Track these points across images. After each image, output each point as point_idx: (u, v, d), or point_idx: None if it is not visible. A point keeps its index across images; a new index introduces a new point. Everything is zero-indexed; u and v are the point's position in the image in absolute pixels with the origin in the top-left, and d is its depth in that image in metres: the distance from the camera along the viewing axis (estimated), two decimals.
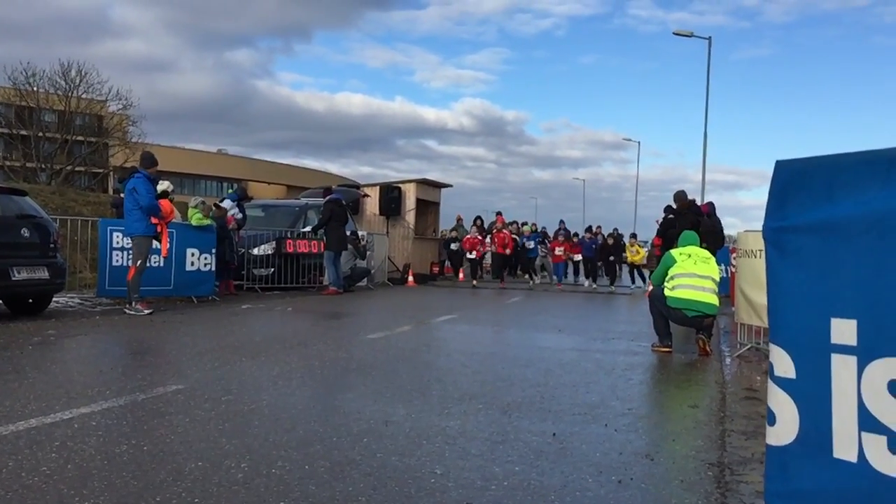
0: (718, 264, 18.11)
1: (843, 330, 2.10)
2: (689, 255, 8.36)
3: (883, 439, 2.01)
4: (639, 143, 70.23)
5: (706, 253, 8.57)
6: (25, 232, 9.26)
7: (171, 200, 11.07)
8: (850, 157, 2.13)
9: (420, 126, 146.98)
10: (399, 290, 18.51)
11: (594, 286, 21.74)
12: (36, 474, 3.43)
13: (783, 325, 2.26)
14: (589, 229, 23.73)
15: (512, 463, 3.90)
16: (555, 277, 22.76)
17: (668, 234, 16.18)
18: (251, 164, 74.35)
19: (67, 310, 10.77)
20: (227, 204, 14.67)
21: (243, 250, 14.98)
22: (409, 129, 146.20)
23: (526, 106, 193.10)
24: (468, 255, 20.97)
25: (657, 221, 19.16)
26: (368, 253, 18.19)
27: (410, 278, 20.28)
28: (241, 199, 15.26)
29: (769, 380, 2.29)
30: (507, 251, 20.97)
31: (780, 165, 2.24)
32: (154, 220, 10.52)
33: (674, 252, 8.53)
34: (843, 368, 2.10)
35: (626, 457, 4.11)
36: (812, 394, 2.17)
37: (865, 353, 2.05)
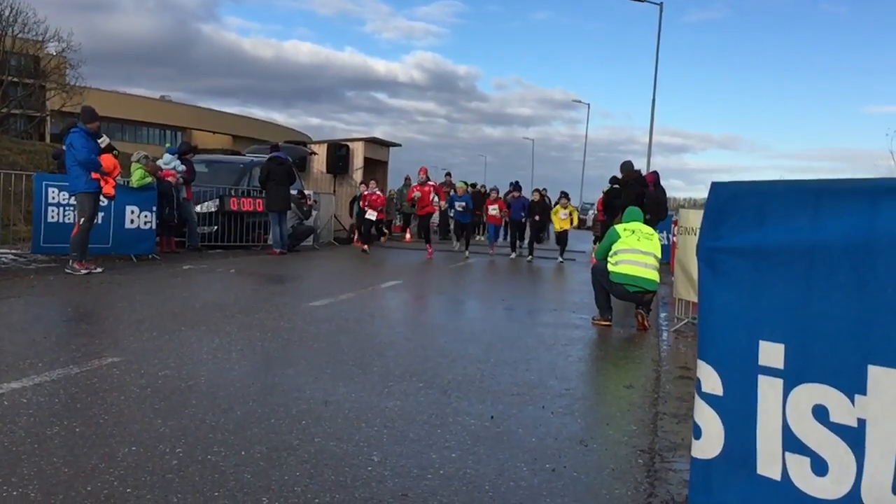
0: (660, 232, 18.49)
1: (771, 353, 2.15)
2: (633, 232, 8.49)
3: (806, 461, 2.08)
4: (588, 105, 70.36)
5: (649, 229, 8.70)
6: None
7: (115, 155, 10.71)
8: (780, 185, 2.16)
9: (370, 78, 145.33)
10: (345, 250, 18.41)
11: (513, 255, 19.27)
12: None
13: (712, 343, 2.30)
14: (516, 186, 20.27)
15: (449, 449, 3.94)
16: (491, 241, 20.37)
17: (613, 205, 16.40)
18: (196, 113, 72.59)
19: (0, 267, 10.46)
20: (165, 158, 14.28)
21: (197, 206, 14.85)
22: (358, 80, 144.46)
23: (478, 61, 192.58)
24: (367, 216, 17.54)
25: (603, 192, 19.26)
26: (315, 213, 18.01)
27: (356, 238, 20.16)
28: (186, 152, 14.89)
29: (696, 395, 2.34)
30: (432, 208, 17.77)
31: (715, 187, 2.28)
32: (95, 176, 10.19)
33: (618, 227, 8.65)
34: (769, 390, 2.16)
35: (560, 442, 4.19)
36: (738, 412, 2.23)
37: (792, 377, 2.11)
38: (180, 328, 6.66)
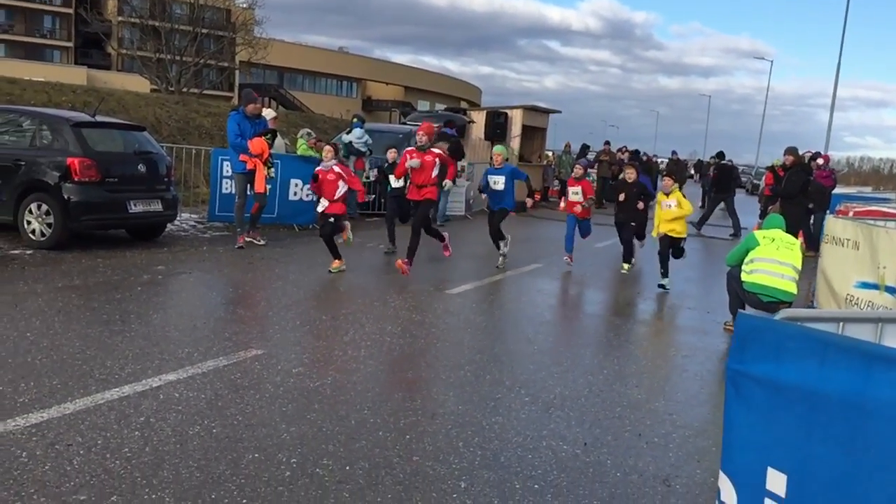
0: (829, 213, 17.56)
1: (776, 480, 2.33)
2: (773, 240, 8.29)
3: None
4: (771, 62, 66.88)
5: (791, 238, 8.45)
6: (142, 167, 10.06)
7: (267, 140, 11.25)
8: (794, 329, 2.32)
9: (543, 26, 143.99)
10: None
11: (641, 245, 12.73)
12: (118, 456, 4.06)
13: (730, 459, 2.51)
14: (635, 154, 14.93)
15: (533, 479, 4.26)
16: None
17: (778, 191, 15.67)
18: (370, 64, 75.17)
19: (181, 234, 11.70)
20: (356, 133, 15.29)
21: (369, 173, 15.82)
22: (531, 28, 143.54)
23: (656, 7, 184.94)
24: (318, 207, 10.04)
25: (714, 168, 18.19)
26: (468, 182, 18.45)
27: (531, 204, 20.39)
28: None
29: (717, 502, 2.55)
30: (432, 192, 10.30)
31: (741, 317, 2.46)
32: (243, 158, 10.80)
33: (757, 234, 8.47)
34: None
35: (644, 479, 4.39)
36: None
37: None
38: (321, 316, 7.33)
